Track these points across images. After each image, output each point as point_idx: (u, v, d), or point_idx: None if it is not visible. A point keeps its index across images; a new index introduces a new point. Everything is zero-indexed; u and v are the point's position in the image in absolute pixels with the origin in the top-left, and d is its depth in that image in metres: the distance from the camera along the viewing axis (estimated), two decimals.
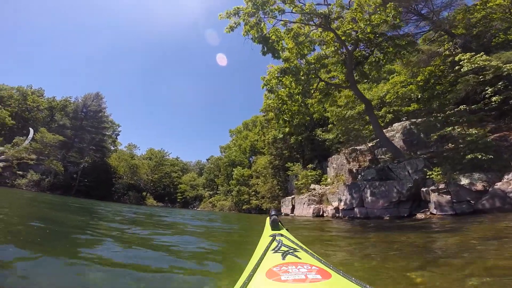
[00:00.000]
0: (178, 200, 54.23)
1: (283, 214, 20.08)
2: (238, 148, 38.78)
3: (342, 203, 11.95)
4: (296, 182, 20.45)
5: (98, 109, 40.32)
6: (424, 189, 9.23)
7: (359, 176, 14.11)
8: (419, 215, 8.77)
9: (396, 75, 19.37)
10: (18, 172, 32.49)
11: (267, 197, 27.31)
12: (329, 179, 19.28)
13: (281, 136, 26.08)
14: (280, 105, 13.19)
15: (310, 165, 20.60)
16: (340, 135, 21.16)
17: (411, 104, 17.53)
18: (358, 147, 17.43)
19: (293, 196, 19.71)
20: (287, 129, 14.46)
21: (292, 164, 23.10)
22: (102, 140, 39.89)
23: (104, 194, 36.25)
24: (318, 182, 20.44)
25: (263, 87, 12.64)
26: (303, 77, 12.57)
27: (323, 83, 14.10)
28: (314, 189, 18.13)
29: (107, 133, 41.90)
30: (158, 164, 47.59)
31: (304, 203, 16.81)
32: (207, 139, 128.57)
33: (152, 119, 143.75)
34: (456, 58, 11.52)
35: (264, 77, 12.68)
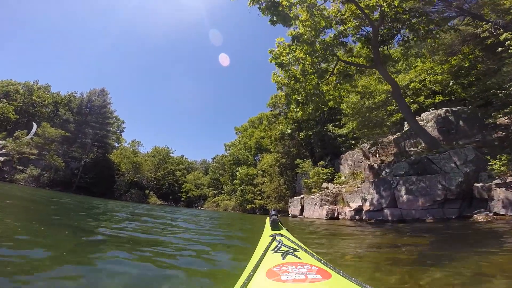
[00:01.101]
0: (183, 199, 52.76)
1: (290, 215, 17.94)
2: (243, 146, 36.74)
3: (368, 203, 9.77)
4: (305, 181, 18.28)
5: (102, 104, 38.93)
6: (479, 185, 7.02)
7: (384, 172, 11.91)
8: (478, 217, 6.56)
9: (420, 63, 17.10)
10: (18, 167, 31.26)
11: (272, 197, 25.17)
12: (343, 178, 17.06)
13: (289, 131, 23.95)
14: (292, 82, 11.11)
15: (321, 162, 18.42)
16: (355, 130, 18.97)
17: (436, 96, 15.25)
18: (379, 140, 15.24)
19: (302, 196, 17.55)
20: (299, 114, 12.32)
21: (301, 161, 20.92)
22: (105, 136, 38.44)
23: (105, 191, 34.71)
24: (330, 181, 18.22)
25: (271, 61, 10.58)
26: (320, 51, 10.48)
27: (342, 64, 11.96)
28: (327, 188, 15.94)
29: (111, 129, 40.47)
30: (161, 162, 45.87)
31: (316, 204, 14.63)
32: (213, 138, 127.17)
33: (158, 118, 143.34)
34: (502, 38, 9.61)
35: (273, 50, 10.64)
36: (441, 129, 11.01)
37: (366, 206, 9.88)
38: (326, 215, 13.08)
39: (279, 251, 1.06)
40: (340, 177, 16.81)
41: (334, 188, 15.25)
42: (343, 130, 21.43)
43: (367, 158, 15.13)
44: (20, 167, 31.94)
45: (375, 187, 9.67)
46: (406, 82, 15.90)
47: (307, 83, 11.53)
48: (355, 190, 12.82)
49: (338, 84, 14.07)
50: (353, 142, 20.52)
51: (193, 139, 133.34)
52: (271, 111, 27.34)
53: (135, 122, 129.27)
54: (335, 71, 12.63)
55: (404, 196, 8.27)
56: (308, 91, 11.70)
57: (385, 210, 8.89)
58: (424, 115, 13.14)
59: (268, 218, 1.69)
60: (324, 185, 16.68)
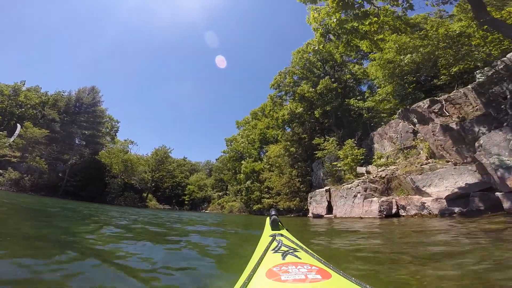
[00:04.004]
0: (186, 202, 47.58)
1: (311, 215, 12.30)
2: (245, 139, 31.16)
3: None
4: (333, 164, 12.59)
5: (92, 102, 34.10)
6: None
7: (477, 132, 6.34)
8: None
9: None
10: None
11: (283, 194, 19.48)
12: (383, 158, 11.30)
13: (300, 110, 18.23)
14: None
15: (350, 140, 12.66)
16: (390, 96, 13.34)
17: None
18: (441, 97, 9.67)
19: (327, 187, 11.83)
20: (340, 48, 7.13)
21: (322, 140, 15.13)
22: (96, 135, 33.51)
23: (95, 195, 29.60)
24: (361, 165, 12.51)
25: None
26: None
27: None
28: (369, 172, 10.21)
29: (103, 129, 35.50)
30: (160, 162, 40.58)
31: (355, 196, 8.98)
32: (219, 139, 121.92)
33: (162, 120, 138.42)
34: None
35: None
36: None
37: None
38: (380, 211, 7.47)
39: (279, 251, 1.01)
40: (380, 157, 11.08)
41: (380, 171, 9.53)
42: (369, 102, 15.81)
43: (425, 121, 9.43)
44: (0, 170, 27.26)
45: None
46: None
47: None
48: (425, 169, 7.14)
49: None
50: (385, 115, 14.85)
51: (197, 140, 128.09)
52: (276, 91, 21.84)
53: (136, 125, 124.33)
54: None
55: None
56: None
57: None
58: None
59: (268, 218, 1.63)
60: (360, 169, 10.97)
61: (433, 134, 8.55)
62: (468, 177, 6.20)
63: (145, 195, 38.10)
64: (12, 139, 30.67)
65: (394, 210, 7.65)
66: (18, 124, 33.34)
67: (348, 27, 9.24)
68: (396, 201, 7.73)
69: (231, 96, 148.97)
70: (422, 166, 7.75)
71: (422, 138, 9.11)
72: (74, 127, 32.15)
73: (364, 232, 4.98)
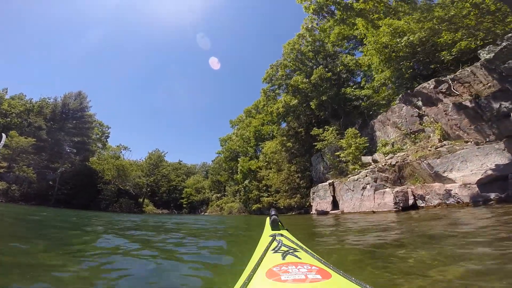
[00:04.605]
0: (184, 205, 46.42)
1: (314, 212, 11.43)
2: (240, 138, 30.11)
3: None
4: (337, 154, 11.63)
5: (79, 107, 32.67)
6: None
7: (500, 107, 5.52)
8: None
9: None
10: None
11: (283, 191, 18.54)
12: (388, 145, 10.47)
13: (294, 102, 17.27)
14: None
15: (351, 129, 11.76)
16: (389, 81, 12.63)
17: None
18: (447, 77, 8.93)
19: (330, 181, 10.93)
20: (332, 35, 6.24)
21: (320, 130, 14.21)
22: (85, 142, 32.07)
23: (88, 203, 28.33)
24: (364, 154, 11.67)
25: None
26: None
27: None
28: (376, 161, 9.35)
29: (92, 135, 34.05)
30: (154, 166, 39.25)
31: (364, 188, 8.09)
32: (212, 141, 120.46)
33: (154, 124, 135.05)
34: None
35: None
36: None
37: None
38: (396, 203, 6.61)
39: (279, 251, 1.00)
40: (385, 144, 10.24)
41: (389, 158, 8.66)
42: (366, 90, 15.06)
43: (432, 103, 8.63)
44: None
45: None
46: None
47: None
48: (443, 152, 6.29)
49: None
50: (384, 102, 14.10)
51: (192, 143, 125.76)
52: (269, 85, 20.85)
53: (129, 130, 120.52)
54: None
55: None
56: None
57: None
58: None
59: (268, 218, 1.60)
60: (365, 159, 10.09)
61: (445, 114, 7.71)
62: (496, 157, 5.36)
63: (141, 200, 36.79)
64: None
65: (411, 201, 6.78)
66: (3, 134, 31.77)
67: (342, 2, 8.42)
68: (412, 191, 6.86)
69: (225, 97, 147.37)
70: (438, 149, 6.90)
71: (432, 119, 8.28)
72: (61, 134, 30.72)
73: (388, 228, 4.08)
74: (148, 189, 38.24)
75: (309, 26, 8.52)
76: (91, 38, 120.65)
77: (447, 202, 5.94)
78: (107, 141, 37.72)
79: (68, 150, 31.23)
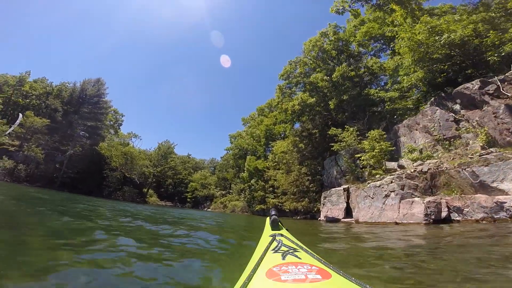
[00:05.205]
0: (188, 199, 45.98)
1: (323, 219, 10.30)
2: (250, 136, 29.19)
3: None
4: (346, 160, 10.45)
5: (96, 93, 32.89)
6: None
7: None
8: None
9: None
10: None
11: (291, 193, 17.39)
12: (416, 152, 9.21)
13: (312, 100, 16.16)
14: None
15: (376, 131, 10.52)
16: (420, 83, 11.39)
17: None
18: (494, 78, 7.63)
19: (346, 186, 9.78)
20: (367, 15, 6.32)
21: (339, 130, 13.01)
22: (98, 127, 32.17)
23: (93, 189, 28.15)
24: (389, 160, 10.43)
25: None
26: None
27: None
28: (403, 167, 8.16)
29: (106, 121, 34.20)
30: (162, 157, 38.95)
31: (387, 196, 6.93)
32: (223, 138, 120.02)
33: (167, 118, 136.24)
34: None
35: None
36: None
37: None
38: (427, 215, 5.44)
39: (279, 251, 0.98)
40: (412, 150, 8.99)
41: (417, 165, 7.45)
42: (392, 92, 13.80)
43: (476, 105, 7.36)
44: None
45: None
46: None
47: None
48: (491, 159, 5.09)
49: None
50: (412, 106, 12.82)
51: (203, 138, 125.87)
52: (286, 82, 19.81)
53: (142, 122, 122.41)
54: None
55: None
56: None
57: None
58: None
59: (268, 218, 1.56)
60: (389, 164, 8.90)
61: (494, 117, 6.45)
62: None
63: (145, 190, 36.53)
64: (12, 128, 29.67)
65: (444, 214, 5.61)
66: (20, 114, 32.46)
67: None
68: (446, 202, 5.68)
69: (239, 96, 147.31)
70: (483, 156, 5.70)
71: (475, 123, 7.03)
72: (75, 117, 30.94)
73: (440, 248, 3.01)
74: (154, 180, 37.96)
75: (339, 8, 7.50)
76: (117, 29, 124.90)
77: (496, 216, 4.75)
78: (119, 128, 37.95)
79: (81, 134, 31.42)
